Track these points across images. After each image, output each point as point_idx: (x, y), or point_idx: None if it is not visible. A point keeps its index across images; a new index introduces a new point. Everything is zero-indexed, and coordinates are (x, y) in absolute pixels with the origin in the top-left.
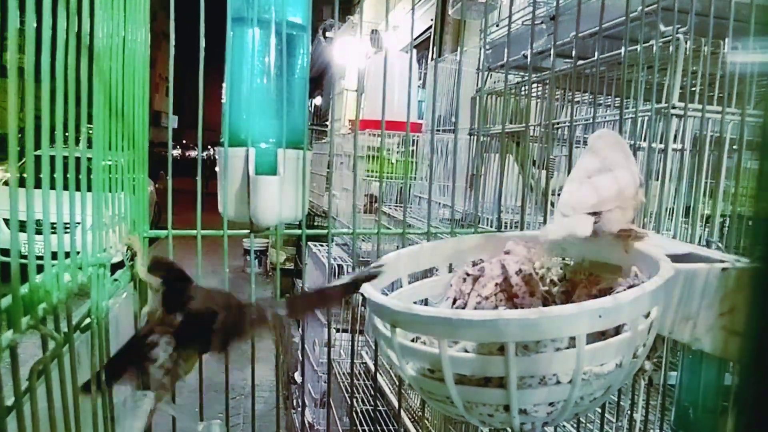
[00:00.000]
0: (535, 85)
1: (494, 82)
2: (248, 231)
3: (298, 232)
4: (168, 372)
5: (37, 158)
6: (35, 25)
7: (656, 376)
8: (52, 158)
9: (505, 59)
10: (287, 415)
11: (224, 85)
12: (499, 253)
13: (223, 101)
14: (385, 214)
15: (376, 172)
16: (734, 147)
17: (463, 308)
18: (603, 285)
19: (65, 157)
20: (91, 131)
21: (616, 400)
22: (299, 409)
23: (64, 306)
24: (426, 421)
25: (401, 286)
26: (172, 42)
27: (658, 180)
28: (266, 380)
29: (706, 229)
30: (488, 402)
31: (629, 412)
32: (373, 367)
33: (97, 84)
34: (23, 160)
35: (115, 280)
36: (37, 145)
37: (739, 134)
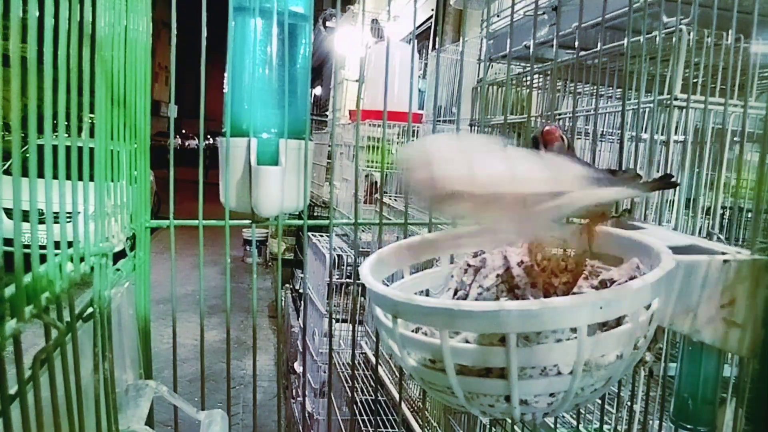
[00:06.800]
0: (536, 75)
1: (495, 73)
2: (250, 221)
3: (300, 222)
4: None
5: (40, 147)
6: (37, 14)
7: (656, 368)
8: (55, 147)
9: (508, 50)
10: (287, 405)
11: (226, 75)
12: (501, 245)
13: (224, 91)
14: (386, 205)
15: (376, 162)
16: (736, 139)
17: (465, 299)
18: (604, 276)
19: (68, 147)
20: (93, 120)
21: (617, 391)
22: (299, 398)
23: (67, 295)
24: (426, 412)
25: (402, 277)
26: (174, 31)
27: (659, 172)
28: (265, 370)
29: (707, 221)
30: (489, 392)
31: (629, 403)
32: (373, 358)
33: (99, 73)
34: (26, 147)
35: (117, 269)
36: (40, 133)
37: (741, 126)
